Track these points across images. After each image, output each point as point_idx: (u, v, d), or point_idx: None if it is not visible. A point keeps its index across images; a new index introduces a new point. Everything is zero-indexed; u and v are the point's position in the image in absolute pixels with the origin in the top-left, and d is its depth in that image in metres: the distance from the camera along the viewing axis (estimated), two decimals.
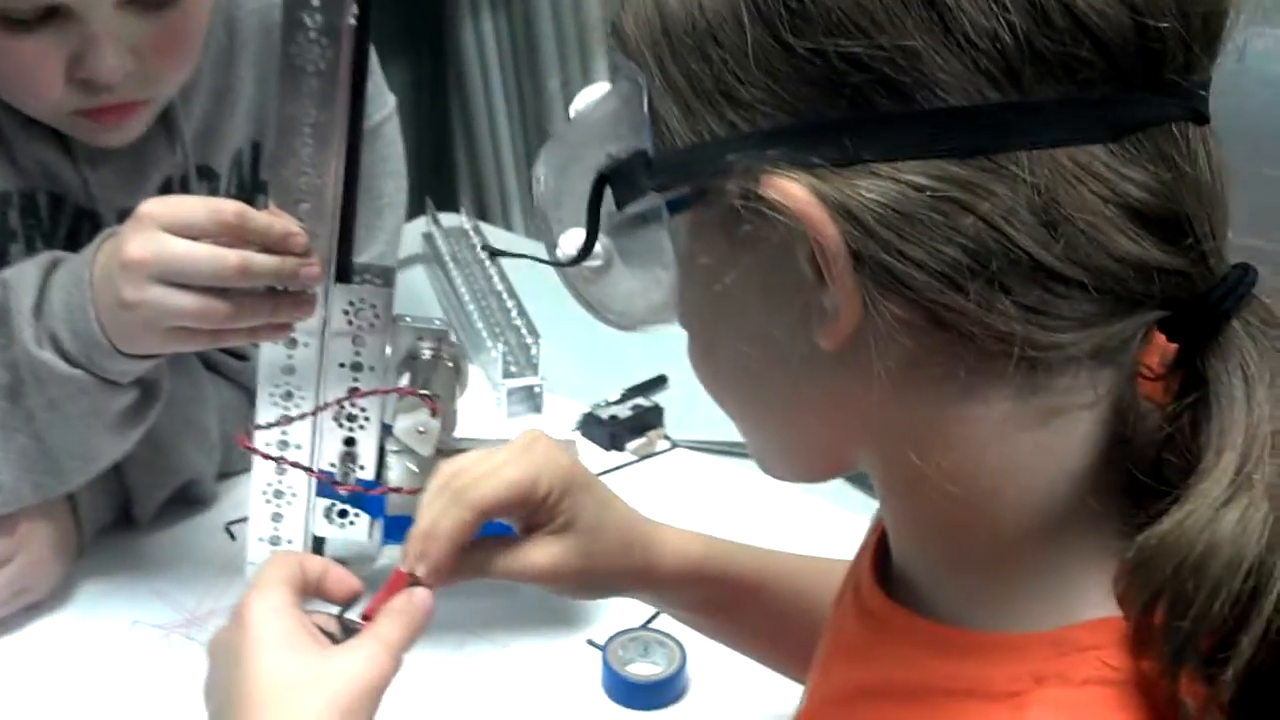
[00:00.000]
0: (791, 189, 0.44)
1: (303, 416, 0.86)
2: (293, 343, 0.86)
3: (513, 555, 0.73)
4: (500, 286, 1.35)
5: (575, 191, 0.52)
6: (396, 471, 0.89)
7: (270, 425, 0.86)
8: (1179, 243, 0.44)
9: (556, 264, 0.53)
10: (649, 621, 0.95)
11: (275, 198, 0.82)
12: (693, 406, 1.25)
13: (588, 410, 1.20)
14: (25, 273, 0.85)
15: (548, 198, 0.55)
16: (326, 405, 0.86)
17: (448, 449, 0.89)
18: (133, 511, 1.00)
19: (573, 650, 0.94)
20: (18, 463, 0.87)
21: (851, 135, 0.44)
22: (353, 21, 0.78)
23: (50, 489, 0.89)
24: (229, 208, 0.79)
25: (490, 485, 0.70)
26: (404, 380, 0.91)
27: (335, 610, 0.68)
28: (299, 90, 0.79)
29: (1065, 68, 0.42)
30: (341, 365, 0.86)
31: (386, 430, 0.88)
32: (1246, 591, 0.41)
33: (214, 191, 1.03)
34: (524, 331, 1.27)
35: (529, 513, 0.73)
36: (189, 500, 1.03)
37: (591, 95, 0.55)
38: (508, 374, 1.23)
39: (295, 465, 0.87)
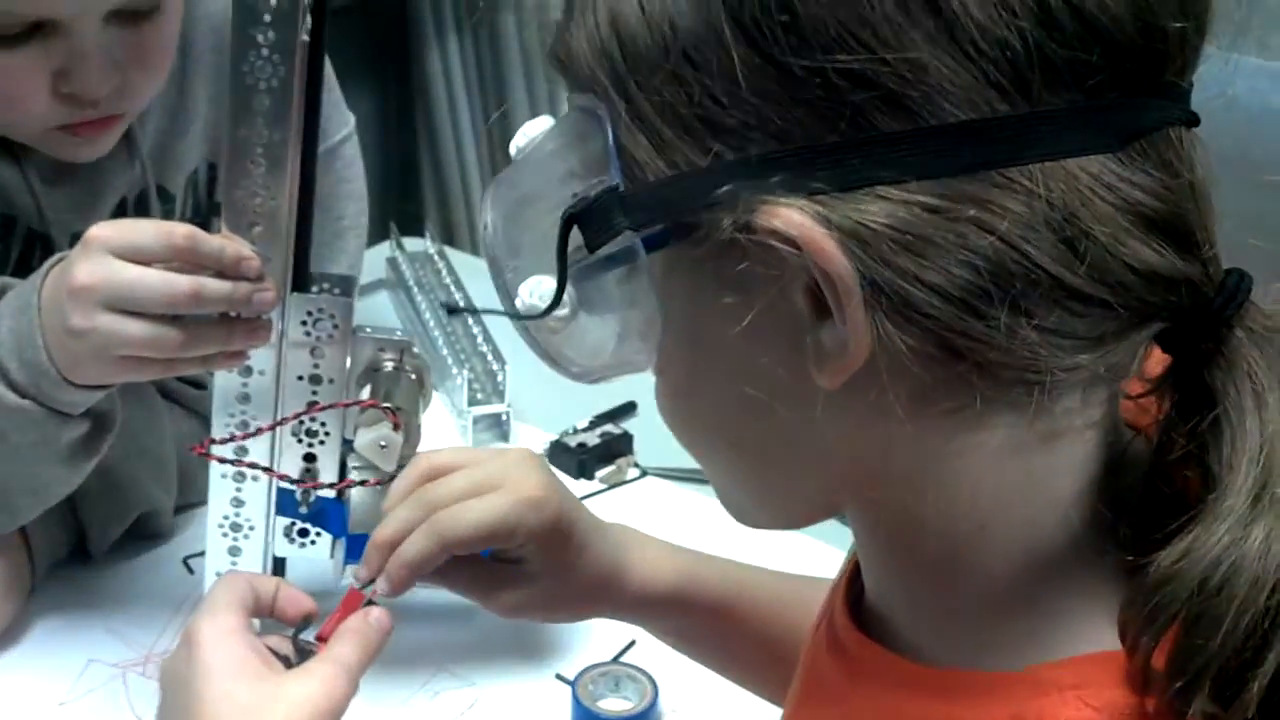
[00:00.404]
0: (795, 218, 0.41)
1: (260, 431, 0.83)
2: (248, 370, 0.84)
3: (477, 583, 0.72)
4: (476, 327, 1.33)
5: (532, 236, 0.49)
6: (356, 490, 0.86)
7: (227, 440, 0.84)
8: (1190, 249, 0.42)
9: (521, 317, 0.49)
10: (620, 655, 0.93)
11: (228, 221, 0.79)
12: (663, 434, 1.22)
13: (556, 438, 1.18)
14: None
15: (500, 245, 0.51)
16: (285, 420, 0.83)
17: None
18: (87, 546, 0.98)
19: (541, 685, 0.91)
20: None
21: (855, 157, 0.40)
22: (306, 38, 0.76)
23: (1, 525, 0.87)
24: (180, 231, 0.77)
25: (467, 524, 0.69)
26: (365, 393, 0.88)
27: (289, 632, 0.66)
28: (251, 109, 0.76)
29: (1074, 74, 0.40)
30: (300, 378, 0.83)
31: (348, 446, 0.86)
32: (1274, 607, 0.39)
33: (169, 214, 1.01)
34: (490, 358, 1.25)
35: (500, 549, 0.72)
36: (145, 534, 1.01)
37: (533, 131, 0.51)
38: (474, 401, 1.20)
39: (254, 466, 0.84)
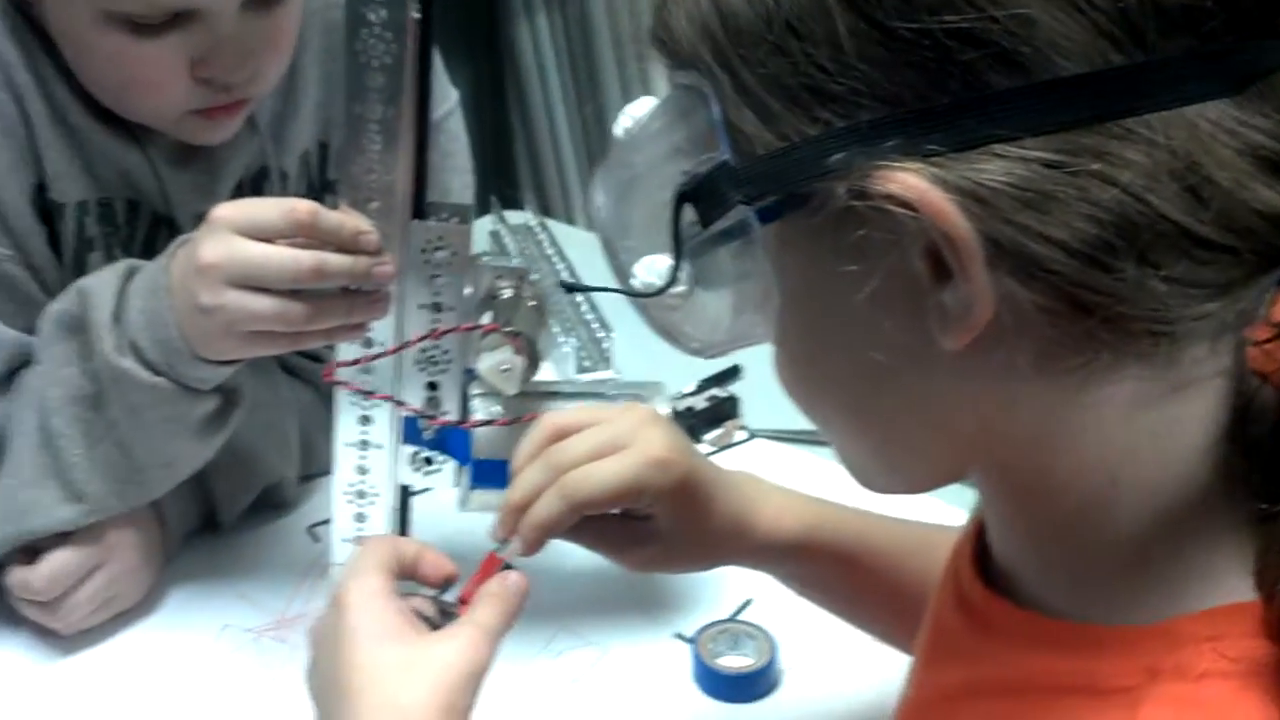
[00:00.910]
0: (912, 181, 0.41)
1: (385, 354, 0.84)
2: (368, 343, 0.86)
3: (608, 540, 0.75)
4: (567, 279, 1.34)
5: (643, 216, 0.50)
6: (481, 415, 0.87)
7: (352, 363, 0.85)
8: None
9: (639, 295, 0.50)
10: (737, 613, 0.94)
11: (346, 196, 0.81)
12: (769, 396, 1.23)
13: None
14: (103, 281, 0.85)
15: (612, 225, 0.52)
16: (409, 343, 0.84)
17: (532, 390, 0.87)
18: (217, 517, 1.01)
19: (661, 644, 0.93)
20: (103, 472, 0.87)
21: (970, 117, 0.40)
22: (416, 15, 0.77)
23: (136, 497, 0.90)
24: (301, 206, 0.79)
25: (596, 485, 0.70)
26: (485, 320, 0.88)
27: (431, 593, 0.68)
28: (365, 87, 0.78)
29: (1189, 21, 0.40)
30: (421, 306, 0.84)
31: (470, 375, 0.87)
32: None
33: (284, 193, 1.03)
34: (596, 326, 1.27)
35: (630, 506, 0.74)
36: (271, 504, 1.04)
37: (638, 111, 0.52)
38: (581, 369, 1.22)
39: (383, 398, 0.86)
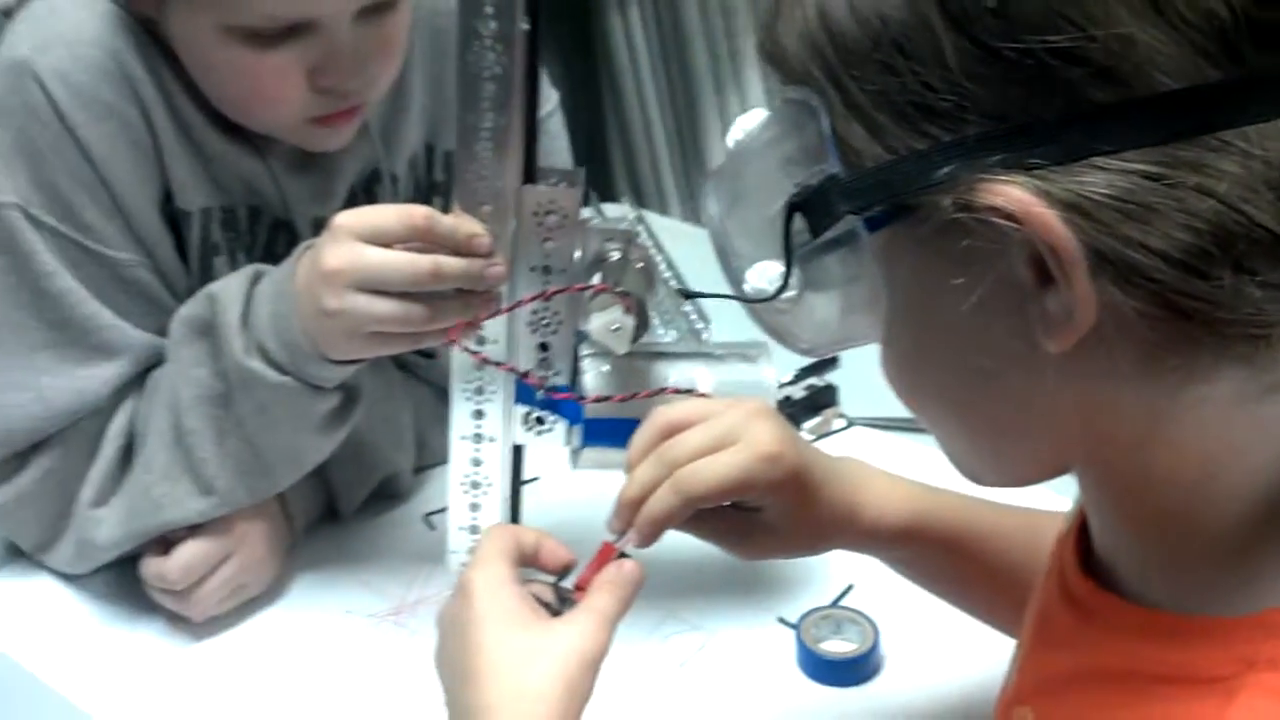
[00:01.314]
0: (1015, 194, 0.43)
1: (498, 312, 0.86)
2: (480, 340, 0.89)
3: (720, 531, 0.77)
4: (668, 274, 1.37)
5: (754, 224, 0.52)
6: (591, 375, 0.89)
7: (469, 324, 0.86)
8: None
9: (751, 300, 0.53)
10: (840, 599, 0.96)
11: (459, 201, 0.85)
12: (867, 384, 1.24)
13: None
14: (231, 287, 0.89)
15: (724, 233, 0.54)
16: (521, 302, 0.86)
17: (639, 351, 0.89)
18: (337, 507, 1.05)
19: (765, 629, 0.95)
20: (233, 467, 0.92)
21: (1071, 131, 0.42)
22: (525, 27, 0.80)
23: (263, 490, 0.94)
24: (419, 212, 0.82)
25: (708, 480, 0.72)
26: (594, 281, 0.89)
27: (550, 579, 0.71)
28: (477, 96, 0.81)
29: None
30: (532, 269, 0.86)
31: (580, 337, 0.89)
32: None
33: (395, 195, 1.07)
34: (694, 317, 1.29)
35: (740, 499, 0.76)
36: (388, 494, 1.08)
37: (749, 123, 0.54)
38: None
39: (497, 365, 0.88)
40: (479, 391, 0.91)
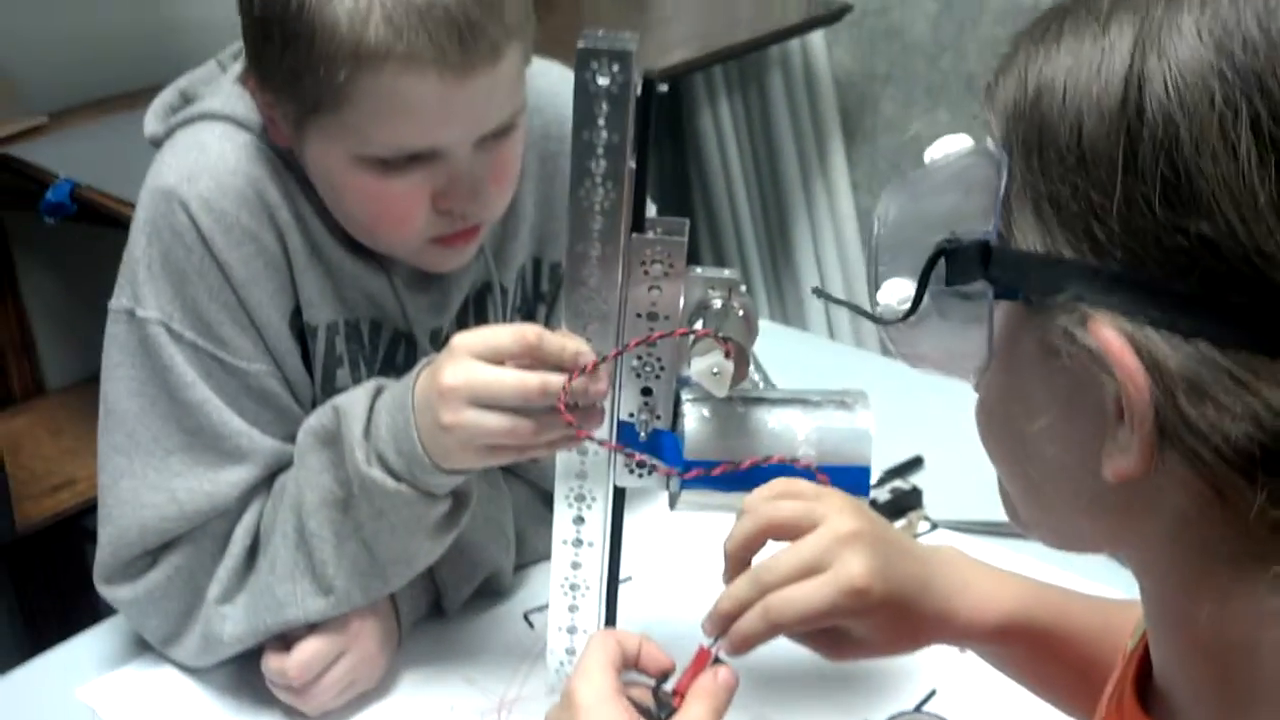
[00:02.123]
0: (1116, 342, 0.46)
1: (607, 359, 0.89)
2: (584, 450, 0.94)
3: (813, 637, 0.81)
4: (756, 374, 1.41)
5: (909, 245, 0.55)
6: (691, 419, 0.92)
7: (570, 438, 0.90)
8: None
9: (876, 320, 0.56)
10: (922, 704, 0.99)
11: (568, 321, 0.90)
12: (951, 487, 1.28)
13: None
14: (355, 399, 0.96)
15: (883, 241, 0.58)
16: (628, 347, 0.89)
17: (738, 395, 0.92)
18: (443, 605, 1.10)
19: None
20: (350, 568, 0.98)
21: (1194, 313, 0.46)
22: (632, 165, 0.86)
23: (377, 591, 1.00)
24: (530, 333, 0.88)
25: (795, 611, 0.76)
26: (698, 326, 0.92)
27: (650, 683, 0.75)
28: (587, 228, 0.87)
29: None
30: (639, 315, 0.89)
31: (681, 383, 0.92)
32: None
33: (504, 306, 1.13)
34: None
35: None
36: (489, 591, 1.13)
37: (949, 147, 0.57)
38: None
39: (598, 442, 0.91)
40: (579, 498, 0.96)
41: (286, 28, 0.92)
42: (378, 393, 0.96)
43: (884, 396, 1.40)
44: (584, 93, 0.82)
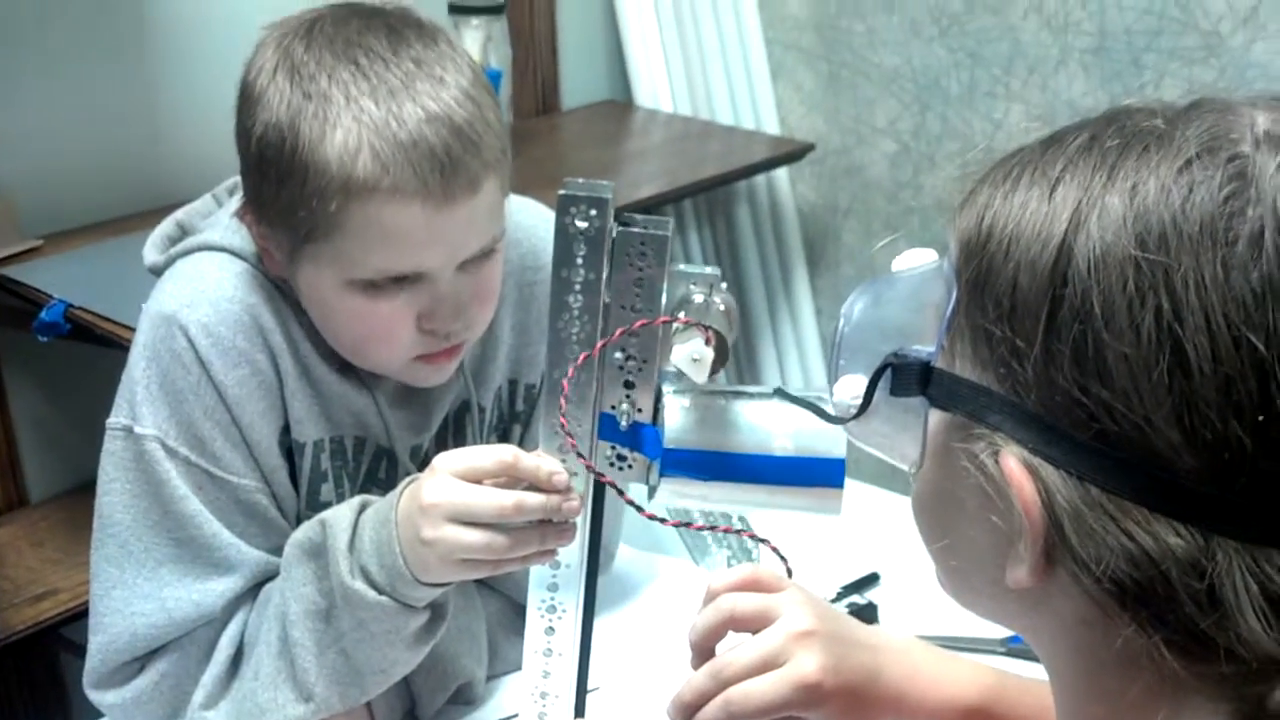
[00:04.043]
0: (1018, 474, 0.53)
1: (589, 356, 0.91)
2: (556, 564, 0.99)
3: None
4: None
5: (866, 348, 0.62)
6: (671, 411, 0.94)
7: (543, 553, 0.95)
8: None
9: (831, 418, 0.64)
10: None
11: (544, 442, 0.95)
12: (907, 602, 1.33)
13: None
14: (341, 514, 1.01)
15: (845, 339, 0.64)
16: (613, 336, 0.91)
17: (717, 390, 0.94)
18: (417, 712, 1.14)
19: None
20: (329, 676, 1.02)
21: (1088, 460, 0.52)
22: (607, 301, 0.93)
23: (355, 699, 1.04)
24: (508, 453, 0.93)
25: (753, 703, 0.82)
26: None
27: None
28: (563, 357, 0.93)
29: (1275, 483, 0.50)
30: (622, 308, 0.92)
31: (662, 378, 0.93)
32: None
33: (481, 424, 1.20)
34: (746, 539, 1.39)
35: None
36: (463, 700, 1.17)
37: (915, 260, 0.64)
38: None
39: (590, 468, 0.93)
40: (551, 609, 1.00)
41: (282, 166, 1.00)
42: (363, 508, 1.01)
43: (842, 515, 1.46)
44: (564, 234, 0.89)
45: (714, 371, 0.92)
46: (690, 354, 0.91)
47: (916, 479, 0.63)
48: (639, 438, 0.94)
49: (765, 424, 0.93)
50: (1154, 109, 0.55)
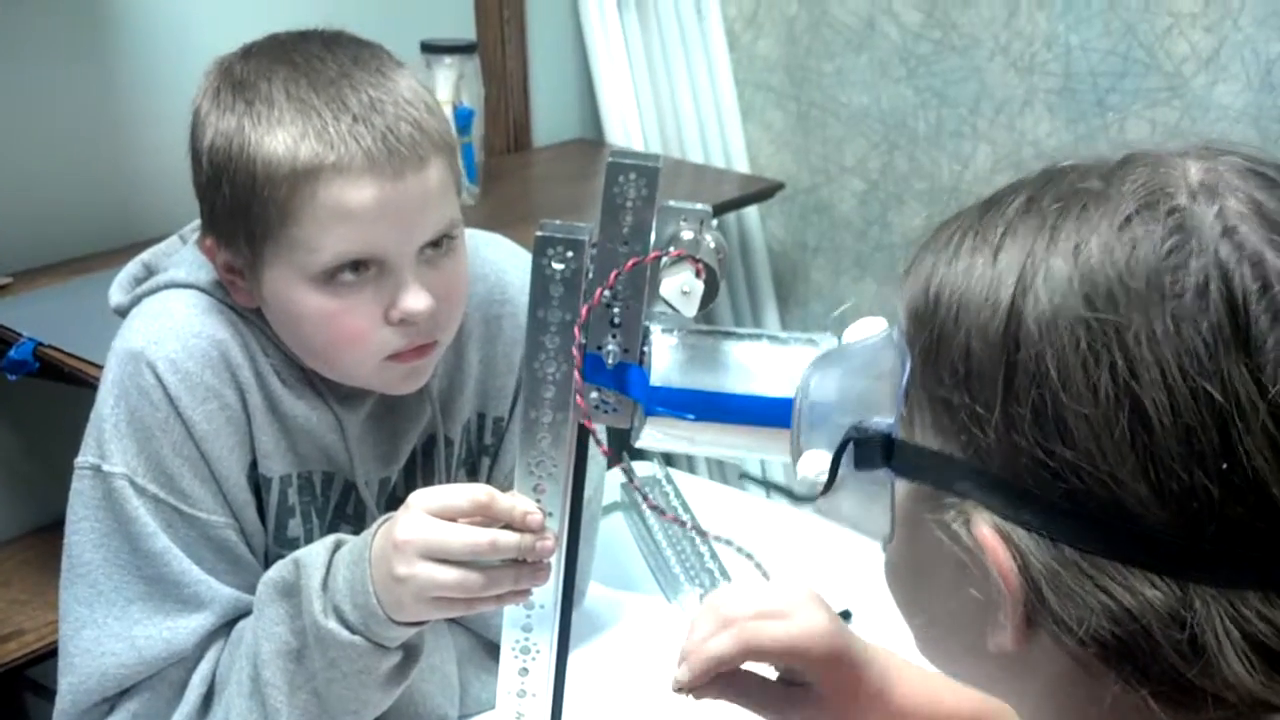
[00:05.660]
0: (991, 540, 0.53)
1: (585, 301, 0.89)
2: (530, 604, 0.99)
3: (771, 701, 0.86)
4: (693, 531, 1.48)
5: (826, 422, 0.62)
6: (659, 350, 0.91)
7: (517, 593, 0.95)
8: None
9: (801, 498, 0.64)
10: None
11: (519, 482, 0.95)
12: (879, 641, 1.34)
13: None
14: (314, 552, 1.00)
15: (804, 416, 0.64)
16: (610, 280, 0.89)
17: (707, 330, 0.92)
18: None
19: None
20: (300, 717, 1.01)
21: (1059, 521, 0.52)
22: (583, 342, 0.93)
23: None
24: (482, 493, 0.93)
25: (769, 636, 0.83)
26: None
27: None
28: (540, 397, 0.93)
29: (1243, 530, 0.50)
30: (610, 243, 0.90)
31: (649, 315, 0.91)
32: None
33: (450, 458, 1.19)
34: (716, 574, 1.40)
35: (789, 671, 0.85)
36: None
37: (865, 331, 0.63)
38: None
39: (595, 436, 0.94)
40: (525, 650, 1.00)
41: (232, 169, 1.01)
42: (337, 546, 1.01)
43: (813, 552, 1.46)
44: (540, 275, 0.89)
45: (703, 306, 0.90)
46: (680, 286, 0.89)
47: (888, 551, 0.63)
48: (625, 378, 0.91)
49: (754, 365, 0.90)
50: (1087, 167, 0.56)
